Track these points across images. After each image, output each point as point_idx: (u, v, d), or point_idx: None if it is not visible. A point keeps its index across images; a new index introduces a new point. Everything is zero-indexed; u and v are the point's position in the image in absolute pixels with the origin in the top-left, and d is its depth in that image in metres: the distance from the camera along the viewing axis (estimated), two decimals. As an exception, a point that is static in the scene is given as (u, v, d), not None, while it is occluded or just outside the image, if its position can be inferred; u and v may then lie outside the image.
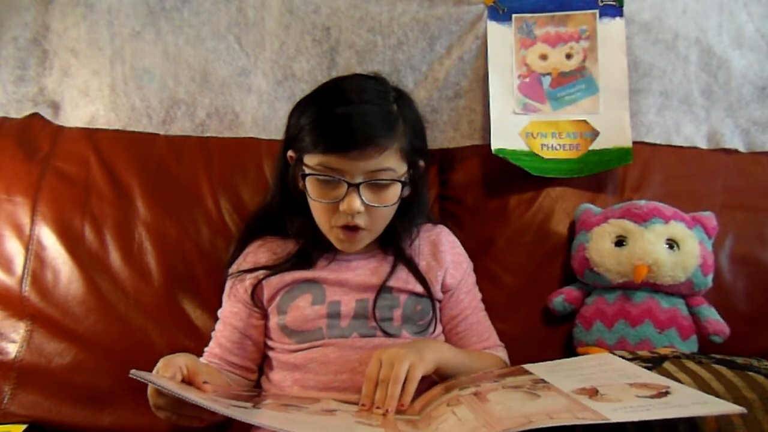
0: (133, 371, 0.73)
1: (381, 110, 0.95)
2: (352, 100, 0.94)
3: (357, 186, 0.92)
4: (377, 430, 0.74)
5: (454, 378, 0.91)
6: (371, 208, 0.94)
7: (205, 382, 0.81)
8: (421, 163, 1.02)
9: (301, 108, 0.99)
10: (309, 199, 0.97)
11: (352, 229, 0.95)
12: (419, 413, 0.79)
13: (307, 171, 0.94)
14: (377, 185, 0.93)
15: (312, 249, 1.01)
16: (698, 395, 0.72)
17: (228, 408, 0.74)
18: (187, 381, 0.81)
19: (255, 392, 0.98)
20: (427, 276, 1.02)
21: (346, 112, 0.92)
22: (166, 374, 0.79)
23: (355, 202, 0.92)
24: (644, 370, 0.81)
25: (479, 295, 1.09)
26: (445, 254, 1.04)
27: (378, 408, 0.80)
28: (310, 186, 0.95)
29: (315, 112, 0.95)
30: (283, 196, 1.03)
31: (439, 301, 1.04)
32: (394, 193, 0.95)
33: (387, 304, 0.99)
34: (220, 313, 1.05)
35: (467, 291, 1.06)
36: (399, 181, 0.95)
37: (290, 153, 1.00)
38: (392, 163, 0.93)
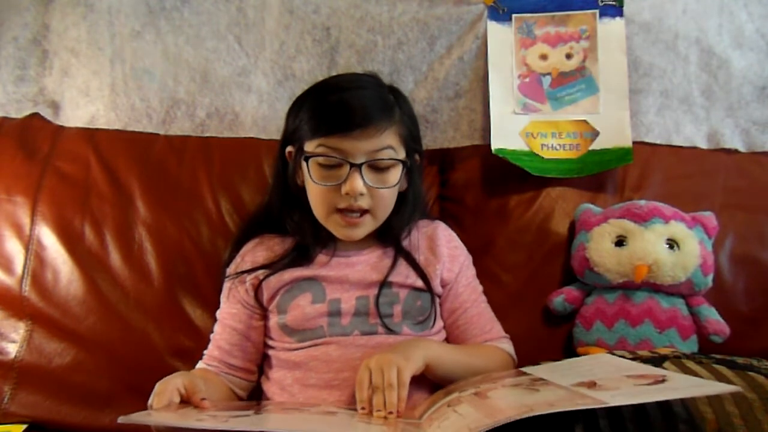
0: (121, 417, 0.71)
1: (377, 94, 0.98)
2: (348, 87, 0.98)
3: (359, 166, 0.93)
4: (381, 428, 0.74)
5: (451, 377, 0.91)
6: (373, 190, 0.95)
7: (203, 399, 0.80)
8: (417, 156, 1.04)
9: (297, 105, 1.01)
10: (309, 186, 0.98)
11: (353, 214, 0.95)
12: (420, 418, 0.79)
13: (309, 154, 0.95)
14: (379, 166, 0.95)
15: (311, 244, 1.01)
16: (694, 380, 0.74)
17: (228, 421, 0.74)
18: (186, 400, 0.80)
19: (255, 402, 0.98)
20: (426, 270, 1.02)
21: (344, 97, 0.96)
22: (161, 404, 0.79)
23: (358, 183, 0.93)
24: (642, 365, 0.81)
25: (480, 288, 1.08)
26: (441, 248, 1.04)
27: (379, 411, 0.80)
28: (312, 169, 0.95)
29: (312, 103, 0.98)
30: (282, 193, 1.03)
31: (439, 296, 1.04)
32: (396, 174, 0.97)
33: (387, 300, 0.99)
34: (218, 314, 1.05)
35: (466, 284, 1.06)
36: (400, 161, 0.96)
37: (288, 149, 1.01)
38: (393, 142, 0.96)
